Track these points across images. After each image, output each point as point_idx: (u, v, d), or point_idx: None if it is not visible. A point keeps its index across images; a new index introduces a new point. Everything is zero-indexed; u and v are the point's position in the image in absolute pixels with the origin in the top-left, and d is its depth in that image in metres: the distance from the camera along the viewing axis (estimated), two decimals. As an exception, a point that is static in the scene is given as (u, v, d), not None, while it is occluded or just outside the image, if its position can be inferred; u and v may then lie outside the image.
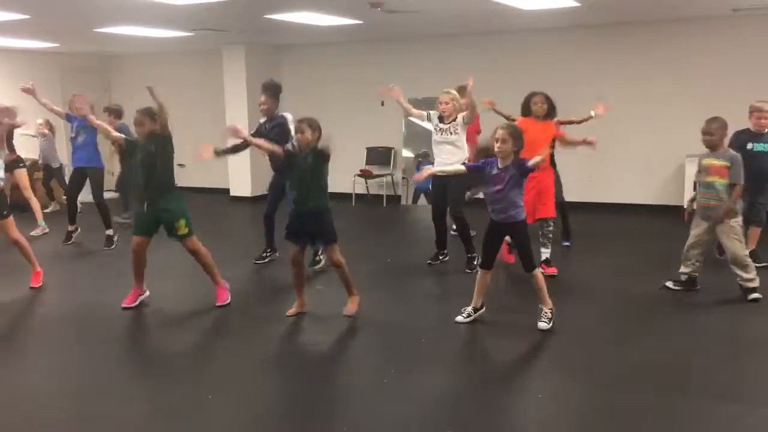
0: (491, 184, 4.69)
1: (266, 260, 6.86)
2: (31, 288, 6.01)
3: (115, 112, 8.56)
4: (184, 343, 4.92)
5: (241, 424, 3.62)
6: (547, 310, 4.77)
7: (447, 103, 6.18)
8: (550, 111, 6.09)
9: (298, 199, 4.96)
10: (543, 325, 4.72)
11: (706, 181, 5.33)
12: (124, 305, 5.39)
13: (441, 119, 6.30)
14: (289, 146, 5.12)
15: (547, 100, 6.08)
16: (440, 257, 6.75)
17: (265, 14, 7.89)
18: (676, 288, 5.58)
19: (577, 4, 7.50)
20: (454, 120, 6.22)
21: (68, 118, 7.96)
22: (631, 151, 9.49)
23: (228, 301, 5.46)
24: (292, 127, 6.20)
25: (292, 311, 5.20)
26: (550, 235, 6.14)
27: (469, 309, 4.96)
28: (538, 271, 4.81)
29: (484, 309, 4.99)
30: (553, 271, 6.03)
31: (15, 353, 4.78)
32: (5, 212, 5.81)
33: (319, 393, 3.99)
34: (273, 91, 6.51)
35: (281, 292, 6.02)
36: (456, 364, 4.42)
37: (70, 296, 6.02)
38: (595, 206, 9.12)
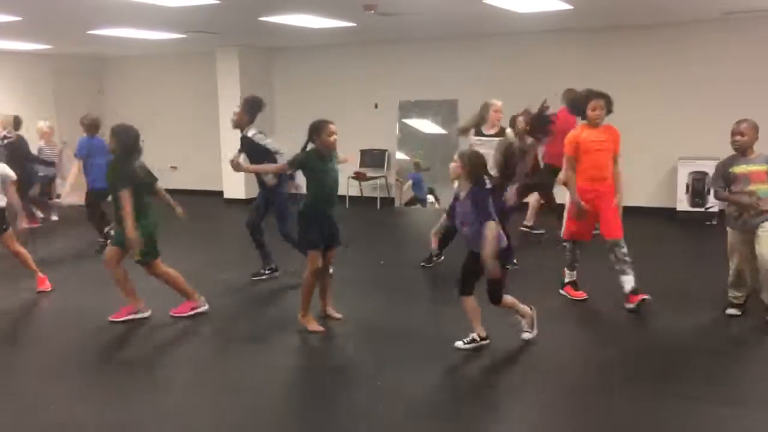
0: (460, 224, 4.39)
1: (264, 277, 6.46)
2: (39, 292, 6.08)
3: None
4: (179, 349, 4.92)
5: (237, 427, 3.62)
6: (525, 323, 4.64)
7: (497, 112, 6.22)
8: (608, 114, 5.28)
9: (326, 204, 4.84)
10: (527, 335, 4.63)
11: (750, 190, 4.77)
12: (111, 319, 5.23)
13: (479, 132, 6.28)
14: (288, 157, 5.00)
15: (608, 104, 5.22)
16: (434, 258, 6.75)
17: (259, 17, 7.89)
18: (740, 313, 5.02)
19: (570, 8, 7.53)
20: (498, 135, 6.14)
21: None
22: (624, 154, 9.47)
23: (185, 314, 5.28)
24: (267, 144, 6.04)
25: (317, 327, 4.97)
26: (627, 258, 5.20)
27: (474, 335, 4.53)
28: (504, 300, 4.53)
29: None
30: (642, 296, 5.16)
31: (7, 358, 4.78)
32: (4, 227, 5.85)
33: (314, 395, 3.99)
34: (249, 105, 6.23)
35: (274, 293, 6.02)
36: (450, 366, 4.39)
37: (61, 303, 6.00)
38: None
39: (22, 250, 6.06)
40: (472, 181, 4.29)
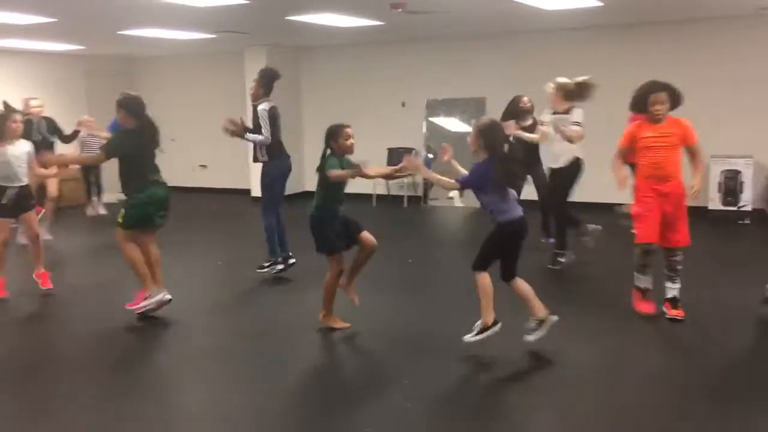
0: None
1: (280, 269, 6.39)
2: (47, 289, 5.96)
3: None
4: (198, 345, 4.95)
5: (260, 423, 3.65)
6: (482, 323, 4.41)
7: (555, 90, 6.16)
8: (674, 107, 4.80)
9: (337, 204, 4.81)
10: (468, 337, 4.41)
11: None
12: (127, 306, 5.28)
13: (555, 110, 6.27)
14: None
15: (672, 97, 4.75)
16: (560, 259, 6.51)
17: (287, 16, 7.94)
18: None
19: (600, 4, 7.45)
20: (566, 112, 6.13)
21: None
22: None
23: (138, 308, 5.18)
24: (265, 120, 6.07)
25: (342, 323, 4.97)
26: (679, 267, 4.91)
27: (535, 324, 4.39)
28: (480, 275, 4.34)
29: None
30: (678, 314, 4.86)
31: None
32: (31, 202, 5.90)
33: (339, 393, 4.02)
34: (264, 77, 6.24)
35: (298, 291, 6.04)
36: (477, 367, 4.38)
37: (73, 300, 6.08)
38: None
39: (41, 237, 5.98)
40: (488, 153, 4.25)
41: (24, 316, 5.62)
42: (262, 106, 6.16)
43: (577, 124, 6.09)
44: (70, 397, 4.04)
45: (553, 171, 6.37)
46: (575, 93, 6.09)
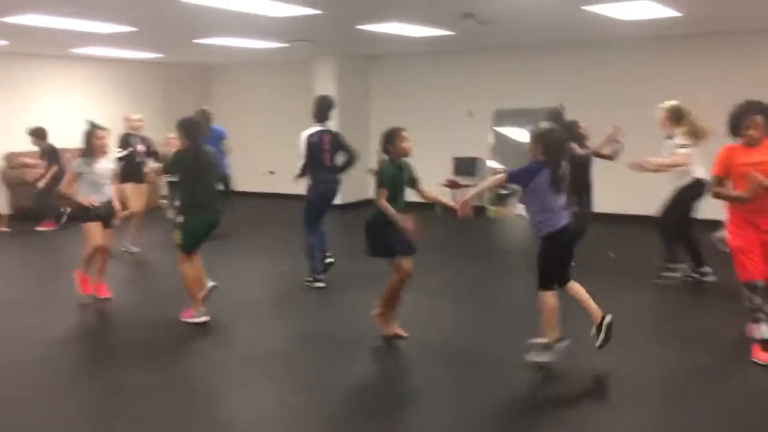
0: None
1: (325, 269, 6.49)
2: (85, 295, 6.00)
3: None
4: (253, 349, 4.99)
5: (315, 427, 3.69)
6: (541, 341, 4.34)
7: (664, 112, 6.06)
8: None
9: (399, 209, 4.72)
10: (532, 356, 4.35)
11: None
12: (183, 318, 5.38)
13: (668, 135, 6.15)
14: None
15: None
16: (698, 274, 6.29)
17: (357, 25, 8.03)
18: None
19: (680, 14, 7.24)
20: (669, 138, 6.03)
21: None
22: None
23: (189, 320, 5.31)
24: (302, 146, 6.32)
25: (391, 330, 4.95)
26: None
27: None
28: (545, 295, 4.27)
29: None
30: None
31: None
32: (113, 220, 6.09)
33: (394, 399, 4.01)
34: (315, 105, 6.54)
35: (358, 298, 6.08)
36: (540, 379, 4.30)
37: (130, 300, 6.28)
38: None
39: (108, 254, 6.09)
40: (545, 156, 4.20)
41: (94, 316, 5.86)
42: (306, 132, 6.39)
43: (683, 146, 5.90)
44: (128, 396, 4.15)
45: (675, 190, 6.14)
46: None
